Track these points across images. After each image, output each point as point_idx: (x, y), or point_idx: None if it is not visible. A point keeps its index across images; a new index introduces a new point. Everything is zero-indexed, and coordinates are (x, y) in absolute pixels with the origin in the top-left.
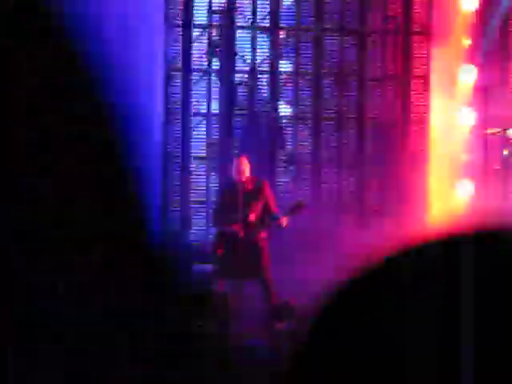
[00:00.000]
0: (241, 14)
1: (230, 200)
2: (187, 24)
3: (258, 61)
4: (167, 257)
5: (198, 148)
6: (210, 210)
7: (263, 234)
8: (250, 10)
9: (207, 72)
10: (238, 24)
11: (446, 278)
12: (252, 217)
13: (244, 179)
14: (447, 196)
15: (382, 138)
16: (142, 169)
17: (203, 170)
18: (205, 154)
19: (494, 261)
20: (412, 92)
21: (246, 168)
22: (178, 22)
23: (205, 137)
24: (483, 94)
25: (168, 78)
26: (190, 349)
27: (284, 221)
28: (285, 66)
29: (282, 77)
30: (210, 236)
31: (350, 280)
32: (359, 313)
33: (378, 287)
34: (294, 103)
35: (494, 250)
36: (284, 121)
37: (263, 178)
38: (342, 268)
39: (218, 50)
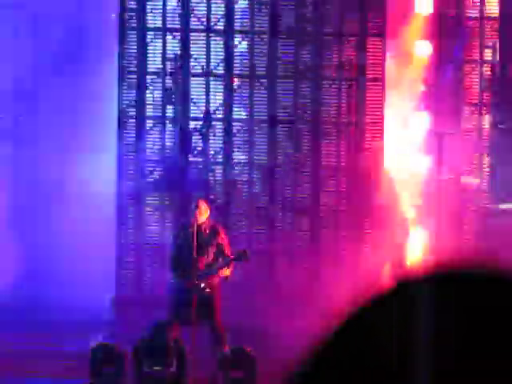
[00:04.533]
0: (195, 61)
1: (184, 242)
2: (141, 71)
3: (212, 107)
4: None
5: (152, 195)
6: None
7: (215, 281)
8: (204, 56)
9: (162, 119)
10: (192, 71)
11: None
12: (201, 264)
13: (200, 223)
14: (402, 243)
15: (335, 190)
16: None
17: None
18: (158, 201)
19: (454, 302)
20: (366, 137)
21: (205, 212)
22: (132, 69)
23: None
24: (437, 140)
25: (122, 126)
26: None
27: (225, 272)
28: (238, 112)
29: (235, 124)
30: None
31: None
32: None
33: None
34: (249, 150)
35: (455, 290)
36: (237, 168)
37: (219, 223)
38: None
39: (173, 96)
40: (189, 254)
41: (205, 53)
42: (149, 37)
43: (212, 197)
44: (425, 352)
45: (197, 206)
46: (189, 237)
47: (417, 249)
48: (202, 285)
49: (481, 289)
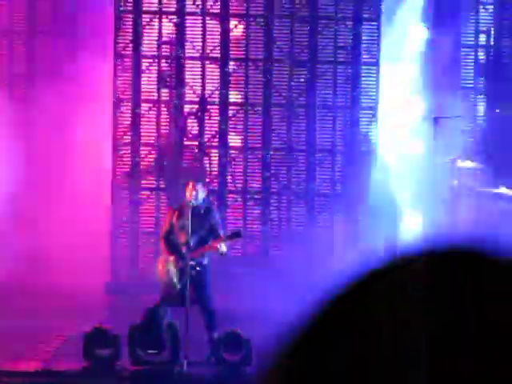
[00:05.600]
0: (190, 44)
1: (178, 222)
2: (137, 55)
3: (208, 91)
4: None
5: (147, 179)
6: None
7: (206, 262)
8: (199, 40)
9: (157, 102)
10: (188, 55)
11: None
12: (194, 244)
13: (195, 203)
14: (398, 225)
15: (328, 167)
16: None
17: (152, 196)
18: (154, 185)
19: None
20: (361, 122)
21: (199, 193)
22: (127, 52)
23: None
24: (433, 123)
25: (116, 108)
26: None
27: (222, 247)
28: (234, 96)
29: (231, 107)
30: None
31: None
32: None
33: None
34: (244, 134)
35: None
36: (233, 151)
37: (213, 204)
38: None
39: (167, 80)
40: (182, 234)
41: (200, 37)
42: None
43: (207, 180)
44: (422, 328)
45: (193, 188)
46: (183, 217)
47: (412, 232)
48: (193, 263)
49: (477, 265)
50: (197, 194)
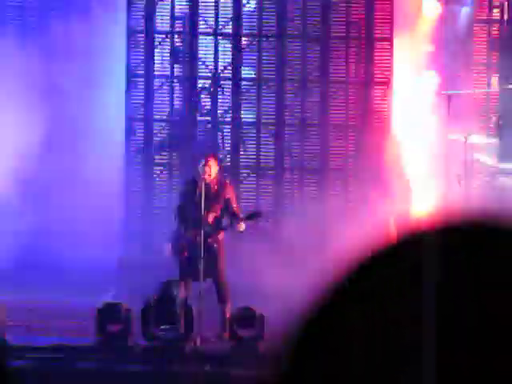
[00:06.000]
0: (203, 21)
1: (191, 198)
2: (149, 30)
3: (221, 67)
4: None
5: (161, 154)
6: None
7: (220, 237)
8: (212, 16)
9: (170, 78)
10: (200, 30)
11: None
12: (210, 219)
13: (208, 179)
14: (412, 199)
15: (345, 142)
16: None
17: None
18: (167, 160)
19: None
20: (374, 97)
21: (212, 168)
22: (140, 28)
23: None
24: (445, 100)
25: (130, 84)
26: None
27: (241, 226)
28: (247, 72)
29: (244, 83)
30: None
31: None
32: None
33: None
34: (257, 109)
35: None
36: (246, 127)
37: (227, 179)
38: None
39: (180, 56)
40: (196, 209)
41: (213, 13)
42: None
43: (220, 156)
44: (434, 304)
45: (206, 163)
46: (197, 192)
47: (424, 207)
48: (210, 240)
49: (489, 239)
50: (210, 169)
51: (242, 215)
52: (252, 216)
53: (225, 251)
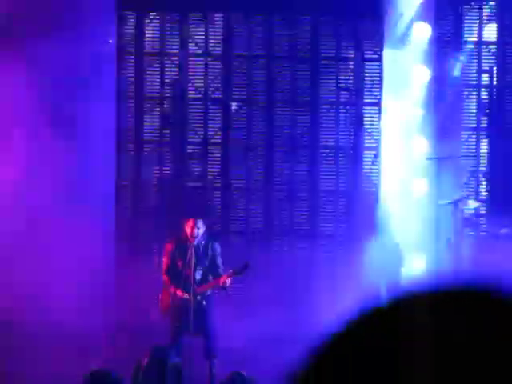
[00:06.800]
0: (192, 86)
1: (179, 257)
2: (139, 96)
3: (210, 132)
4: None
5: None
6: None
7: (209, 293)
8: (201, 81)
9: (159, 144)
10: (190, 96)
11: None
12: (198, 277)
13: (196, 241)
14: (401, 266)
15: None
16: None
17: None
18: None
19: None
20: (363, 162)
21: (200, 231)
22: (130, 93)
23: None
24: (435, 163)
25: (120, 149)
26: None
27: (227, 282)
28: (236, 136)
29: (232, 147)
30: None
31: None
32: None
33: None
34: (246, 176)
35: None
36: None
37: (214, 238)
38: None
39: (170, 121)
40: (184, 269)
41: (203, 77)
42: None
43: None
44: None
45: (194, 226)
46: (185, 252)
47: (415, 272)
48: (199, 297)
49: (480, 307)
50: (198, 231)
51: (226, 271)
52: (241, 270)
53: (213, 305)
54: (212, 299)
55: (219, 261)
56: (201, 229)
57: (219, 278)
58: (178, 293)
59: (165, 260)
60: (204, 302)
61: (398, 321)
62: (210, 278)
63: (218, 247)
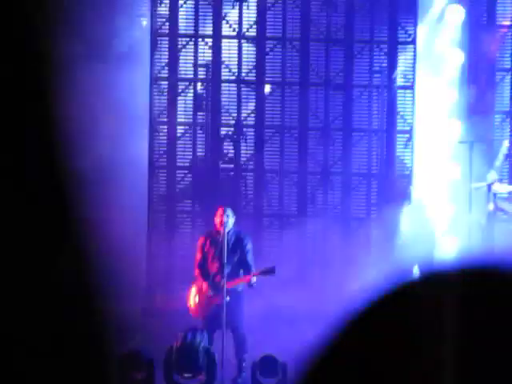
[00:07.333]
0: (226, 68)
1: (209, 250)
2: (173, 77)
3: (244, 114)
4: None
5: (184, 202)
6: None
7: (239, 288)
8: (235, 63)
9: (193, 125)
10: (224, 78)
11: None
12: (227, 271)
13: (225, 230)
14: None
15: (368, 190)
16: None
17: (189, 223)
18: (190, 208)
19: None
20: (397, 146)
21: (230, 219)
22: (164, 75)
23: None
24: (469, 147)
25: (153, 131)
26: None
27: (253, 279)
28: (270, 119)
29: (267, 130)
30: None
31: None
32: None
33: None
34: (279, 159)
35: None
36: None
37: (246, 231)
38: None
39: (203, 103)
40: (215, 263)
41: (236, 60)
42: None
43: (243, 203)
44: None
45: (223, 214)
46: (215, 245)
47: (447, 257)
48: (227, 297)
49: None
50: (227, 219)
51: (255, 269)
52: (265, 272)
53: (243, 302)
54: (242, 296)
55: (250, 257)
56: (230, 217)
57: (249, 275)
58: (205, 288)
59: (197, 254)
60: (228, 298)
61: (426, 297)
62: (241, 273)
63: (248, 243)
